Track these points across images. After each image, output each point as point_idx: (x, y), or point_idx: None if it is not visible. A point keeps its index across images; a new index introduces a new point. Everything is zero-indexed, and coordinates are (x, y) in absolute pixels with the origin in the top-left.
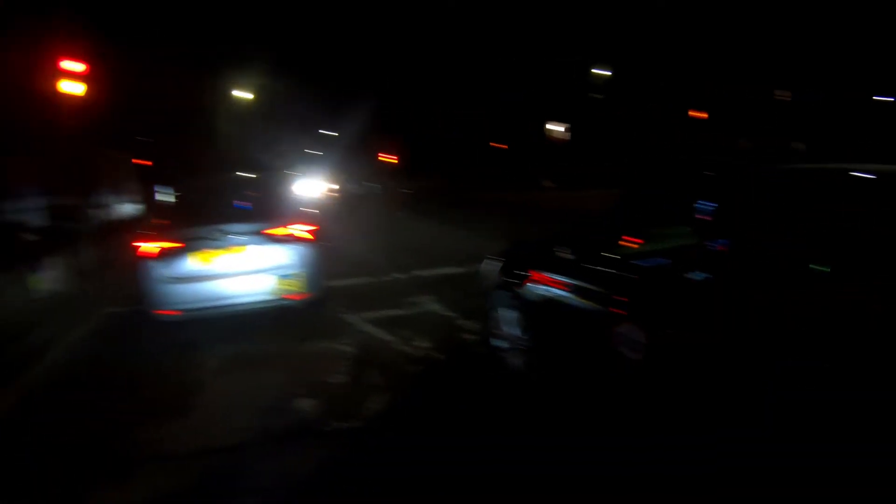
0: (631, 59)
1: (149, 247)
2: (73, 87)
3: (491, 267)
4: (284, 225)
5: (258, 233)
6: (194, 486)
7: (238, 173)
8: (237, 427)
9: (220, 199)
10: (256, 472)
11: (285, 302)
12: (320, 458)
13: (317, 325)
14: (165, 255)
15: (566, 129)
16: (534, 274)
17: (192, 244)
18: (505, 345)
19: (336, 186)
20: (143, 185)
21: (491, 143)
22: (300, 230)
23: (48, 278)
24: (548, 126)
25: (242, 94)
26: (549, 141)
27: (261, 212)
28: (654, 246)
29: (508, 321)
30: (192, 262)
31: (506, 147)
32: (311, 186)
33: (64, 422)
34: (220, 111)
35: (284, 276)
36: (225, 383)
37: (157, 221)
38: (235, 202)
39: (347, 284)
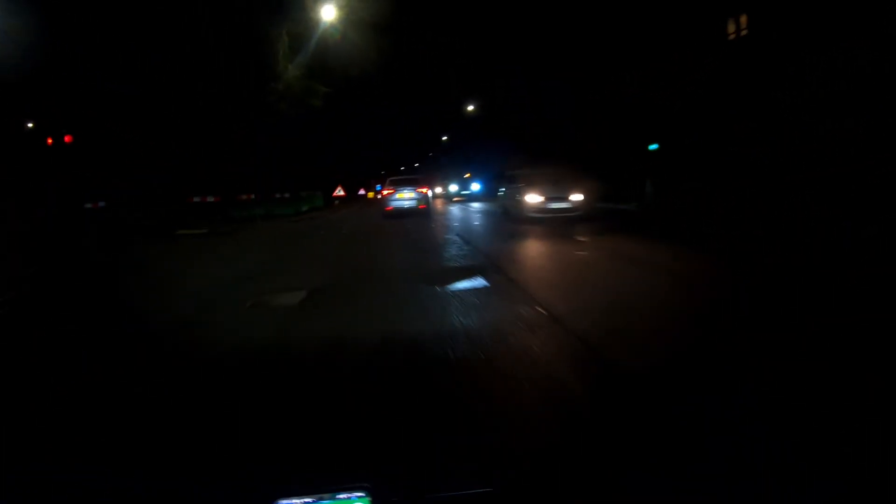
0: None
1: (384, 191)
2: None
3: None
4: (422, 187)
5: (414, 188)
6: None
7: (410, 175)
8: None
9: (406, 181)
10: None
11: (418, 209)
12: None
13: None
14: (388, 193)
15: None
16: None
17: (396, 190)
18: None
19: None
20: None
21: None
22: (424, 189)
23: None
24: None
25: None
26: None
27: (416, 182)
28: None
29: None
30: (395, 195)
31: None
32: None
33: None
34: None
35: (419, 200)
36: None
37: (385, 186)
38: (410, 179)
39: None
